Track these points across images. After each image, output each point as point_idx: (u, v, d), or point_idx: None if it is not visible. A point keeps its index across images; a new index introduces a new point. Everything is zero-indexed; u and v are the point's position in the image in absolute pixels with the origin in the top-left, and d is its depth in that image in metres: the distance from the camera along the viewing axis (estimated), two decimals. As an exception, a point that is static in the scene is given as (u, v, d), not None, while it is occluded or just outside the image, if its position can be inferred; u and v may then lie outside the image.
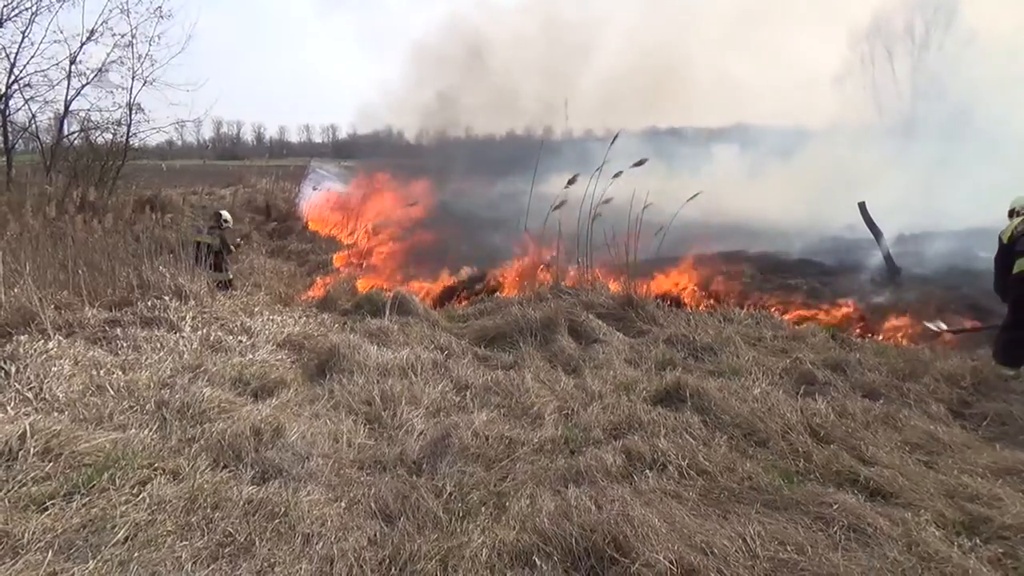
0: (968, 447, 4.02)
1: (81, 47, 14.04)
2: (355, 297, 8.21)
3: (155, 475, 3.45)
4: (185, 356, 5.33)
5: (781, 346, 6.26)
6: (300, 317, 7.10)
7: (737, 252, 10.86)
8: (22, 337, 5.17)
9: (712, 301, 8.41)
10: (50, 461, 3.46)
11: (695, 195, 7.74)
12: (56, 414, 4.03)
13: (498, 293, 8.94)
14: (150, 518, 3.07)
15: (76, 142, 15.08)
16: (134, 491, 3.28)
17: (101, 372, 4.78)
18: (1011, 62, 17.18)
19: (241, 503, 3.21)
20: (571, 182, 8.02)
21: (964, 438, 4.16)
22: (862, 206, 9.35)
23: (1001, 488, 3.42)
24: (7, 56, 13.58)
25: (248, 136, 79.01)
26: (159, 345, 5.50)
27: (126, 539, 2.91)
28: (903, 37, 28.84)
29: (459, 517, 3.18)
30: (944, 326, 6.93)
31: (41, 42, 14.31)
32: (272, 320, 6.67)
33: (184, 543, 2.92)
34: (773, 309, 8.00)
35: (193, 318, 6.28)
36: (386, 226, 14.84)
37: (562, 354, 5.98)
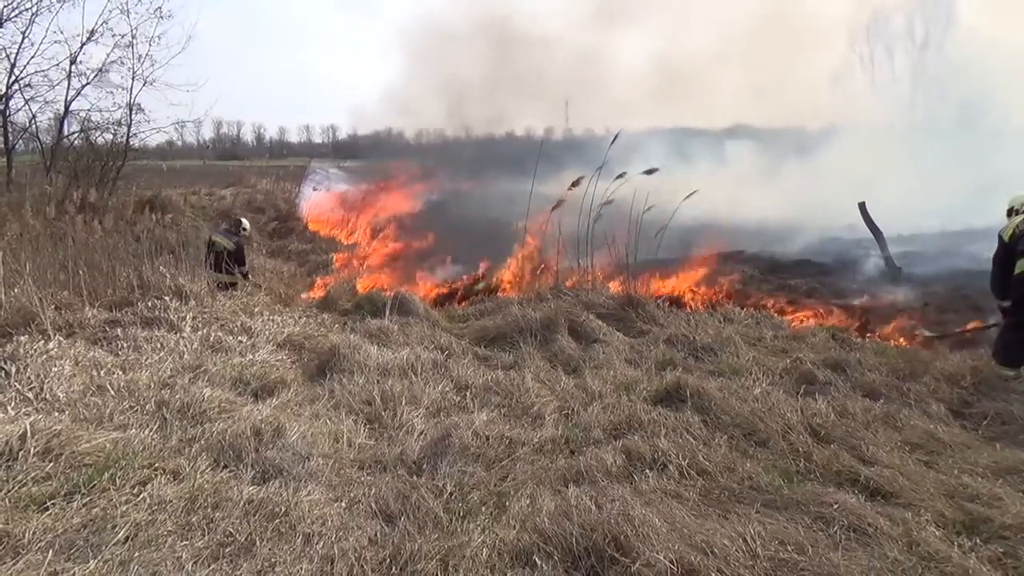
0: (968, 447, 4.02)
1: (81, 47, 14.05)
2: (355, 297, 8.20)
3: (155, 475, 3.45)
4: (185, 356, 5.33)
5: (781, 346, 6.25)
6: (300, 317, 7.09)
7: (737, 252, 10.88)
8: (22, 337, 5.17)
9: (712, 301, 8.41)
10: (50, 461, 3.45)
11: (691, 193, 7.74)
12: (56, 414, 4.02)
13: (498, 293, 8.95)
14: (151, 518, 3.07)
15: (76, 142, 15.06)
16: (134, 491, 3.28)
17: (101, 372, 4.78)
18: (1011, 62, 17.19)
19: (241, 503, 3.21)
20: (575, 184, 8.01)
21: (964, 438, 4.15)
22: (862, 206, 9.37)
23: (1001, 488, 3.42)
24: (7, 56, 13.59)
25: (248, 136, 79.02)
26: (159, 345, 5.50)
27: (127, 539, 2.91)
28: (903, 36, 28.90)
29: (459, 517, 3.18)
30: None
31: (41, 42, 14.24)
32: (272, 320, 6.66)
33: (185, 543, 2.92)
34: (773, 309, 8.01)
35: (193, 318, 6.28)
36: (386, 226, 14.86)
37: (562, 354, 5.98)
